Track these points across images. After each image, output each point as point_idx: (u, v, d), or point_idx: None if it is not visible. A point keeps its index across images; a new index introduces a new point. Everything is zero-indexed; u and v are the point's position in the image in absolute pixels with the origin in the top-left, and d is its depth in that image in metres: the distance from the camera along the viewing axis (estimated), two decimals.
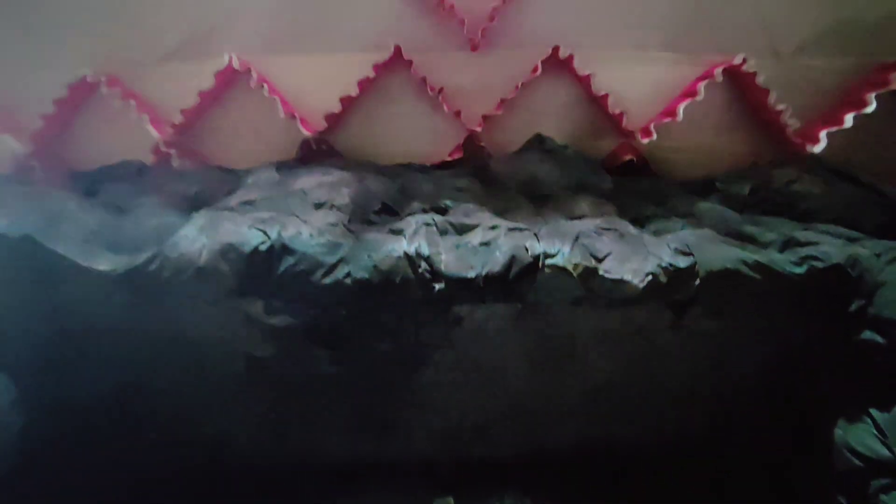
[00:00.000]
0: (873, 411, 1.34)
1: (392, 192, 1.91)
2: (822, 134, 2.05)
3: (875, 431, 1.32)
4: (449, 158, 2.36)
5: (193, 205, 1.83)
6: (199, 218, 1.47)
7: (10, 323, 1.35)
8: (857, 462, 1.34)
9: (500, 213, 1.79)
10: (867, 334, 1.34)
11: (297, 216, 1.50)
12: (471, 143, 2.31)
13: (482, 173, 2.20)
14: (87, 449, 1.60)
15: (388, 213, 1.71)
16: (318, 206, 1.61)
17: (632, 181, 2.21)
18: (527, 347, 1.57)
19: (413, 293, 1.43)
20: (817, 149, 2.06)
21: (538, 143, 2.30)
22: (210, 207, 1.62)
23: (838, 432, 1.41)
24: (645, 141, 2.23)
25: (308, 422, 1.75)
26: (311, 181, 1.73)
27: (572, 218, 1.75)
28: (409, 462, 1.91)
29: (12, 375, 1.33)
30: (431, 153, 2.37)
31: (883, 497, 1.29)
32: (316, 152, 2.32)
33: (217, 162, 2.29)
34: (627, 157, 2.32)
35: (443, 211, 1.73)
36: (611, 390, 1.65)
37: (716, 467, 1.74)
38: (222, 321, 1.48)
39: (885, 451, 1.28)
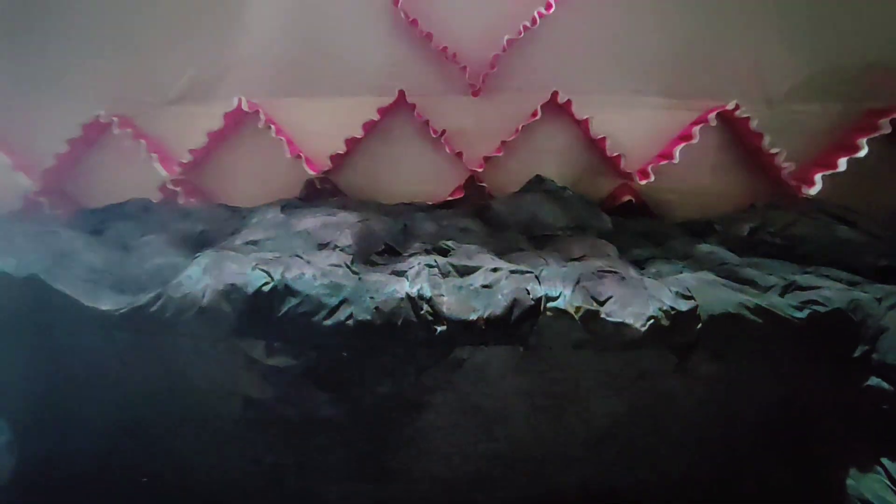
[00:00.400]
0: (885, 461, 1.31)
1: (395, 231, 1.93)
2: (818, 177, 2.10)
3: (888, 481, 1.29)
4: (450, 198, 2.40)
5: (198, 243, 1.85)
6: (204, 258, 1.48)
7: (9, 364, 1.34)
8: None
9: (502, 253, 1.81)
10: (873, 381, 1.32)
11: (301, 257, 1.52)
12: (472, 184, 2.36)
13: (483, 213, 2.24)
14: (80, 492, 1.55)
15: (391, 253, 1.73)
16: (322, 246, 1.63)
17: (631, 221, 2.24)
18: (528, 391, 1.54)
19: (414, 335, 1.42)
20: (813, 191, 2.10)
21: (538, 183, 2.35)
22: (215, 247, 1.63)
23: (850, 482, 1.37)
24: (643, 182, 2.27)
25: (306, 466, 1.71)
26: (314, 222, 1.75)
27: (573, 258, 1.76)
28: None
29: (8, 417, 1.31)
30: (433, 193, 2.42)
31: None
32: (320, 191, 2.37)
33: (223, 200, 2.33)
34: (626, 198, 2.36)
35: (445, 252, 1.74)
36: (614, 436, 1.61)
37: None
38: (222, 362, 1.47)
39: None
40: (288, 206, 2.03)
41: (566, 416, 1.60)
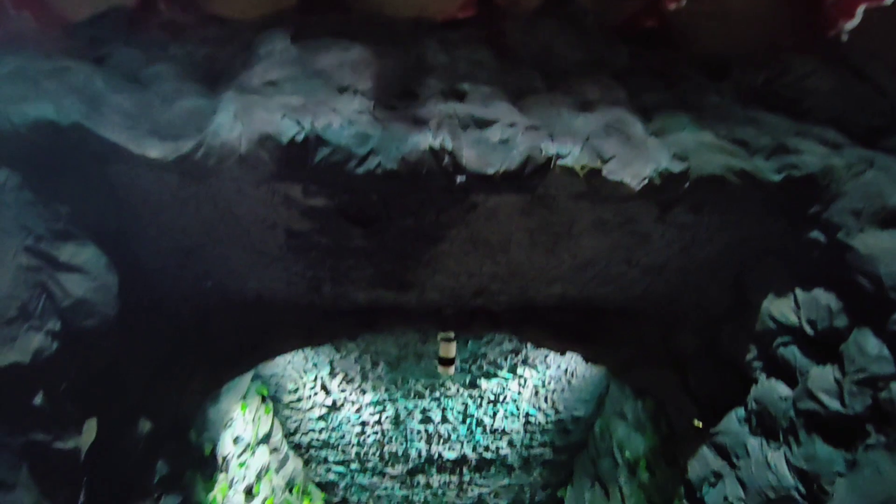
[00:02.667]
0: (798, 290, 1.69)
1: (409, 66, 1.90)
2: (860, 9, 1.99)
3: (793, 305, 1.70)
4: (460, 16, 2.24)
5: (210, 74, 1.82)
6: (230, 103, 1.52)
7: (79, 204, 1.51)
8: (771, 325, 1.76)
9: (517, 95, 1.84)
10: (814, 234, 1.61)
11: (326, 104, 1.56)
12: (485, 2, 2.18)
13: (497, 41, 2.14)
14: (159, 295, 1.93)
15: (410, 97, 1.75)
16: (342, 90, 1.65)
17: (649, 55, 2.18)
18: (530, 229, 1.82)
19: (436, 183, 1.60)
20: (849, 25, 2.02)
21: (557, 5, 2.17)
22: (233, 86, 1.64)
23: (765, 304, 1.79)
24: (672, 6, 2.13)
25: (339, 278, 2.09)
26: (330, 60, 1.71)
27: (584, 105, 1.82)
28: (421, 309, 2.33)
29: (97, 243, 1.55)
30: (442, 7, 2.23)
31: (781, 350, 1.73)
32: (318, 2, 2.17)
33: (205, 9, 2.13)
34: (650, 23, 2.24)
35: (461, 95, 1.77)
36: (594, 263, 1.98)
37: (666, 322, 2.20)
38: (265, 201, 1.67)
39: (794, 320, 1.68)
40: (295, 32, 1.91)
41: (557, 248, 1.92)
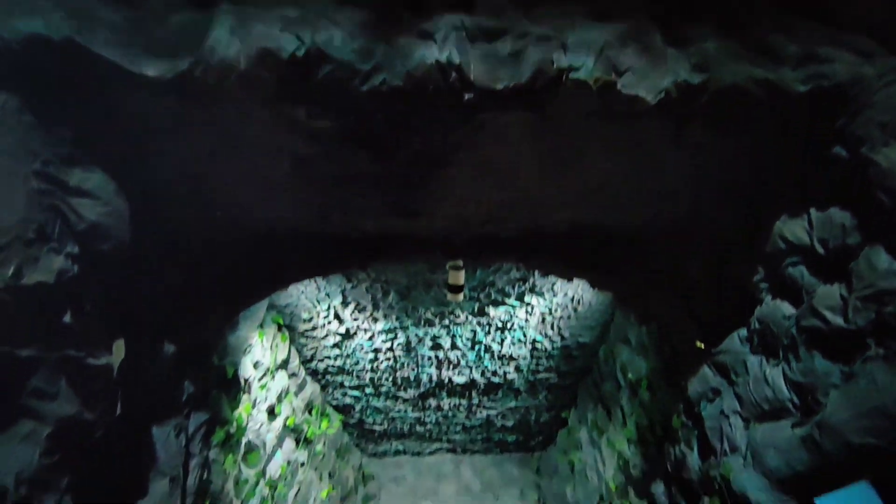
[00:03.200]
0: (812, 210, 1.67)
1: None
2: None
3: (806, 225, 1.68)
4: None
5: None
6: (226, 17, 1.44)
7: (79, 123, 1.49)
8: (782, 246, 1.75)
9: (527, 2, 1.72)
10: (837, 149, 1.55)
11: (326, 16, 1.47)
12: None
13: None
14: (170, 225, 1.95)
15: (415, 7, 1.64)
16: (343, 1, 1.55)
17: None
18: (539, 152, 1.77)
19: (443, 100, 1.54)
20: None
21: None
22: None
23: (777, 225, 1.77)
24: None
25: (348, 206, 2.08)
26: None
27: (600, 14, 1.70)
28: (429, 237, 2.34)
29: (101, 167, 1.54)
30: None
31: (789, 270, 1.74)
32: None
33: None
34: None
35: (469, 5, 1.66)
36: (605, 189, 1.94)
37: (675, 249, 2.20)
38: (268, 125, 1.63)
39: (806, 240, 1.67)
40: None
41: (567, 173, 1.88)
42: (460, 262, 2.63)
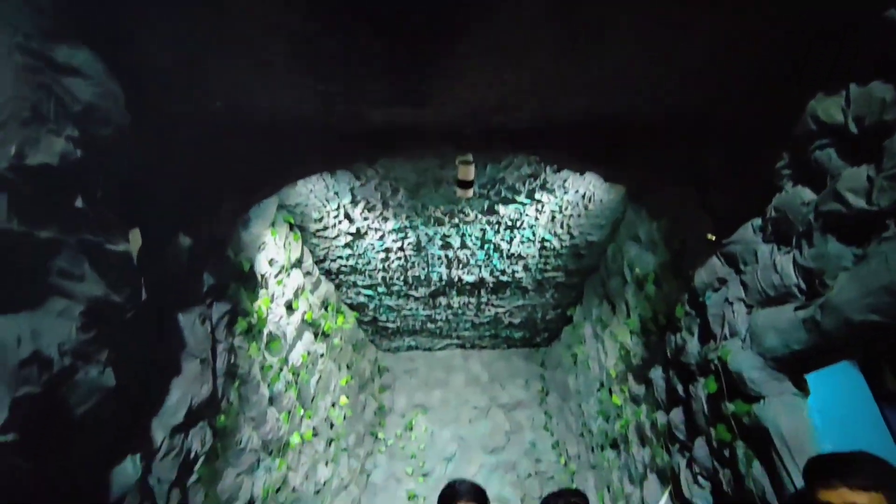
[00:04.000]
0: (852, 85, 1.54)
1: None
2: None
3: (843, 102, 1.57)
4: None
5: None
6: None
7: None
8: (812, 127, 1.65)
9: None
10: (892, 11, 1.38)
11: None
12: None
13: None
14: (171, 116, 1.88)
15: None
16: None
17: None
18: (558, 28, 1.61)
19: None
20: None
21: None
22: None
23: (812, 104, 1.65)
24: None
25: (352, 93, 1.97)
26: None
27: None
28: (439, 128, 2.25)
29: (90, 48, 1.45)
30: None
31: (816, 154, 1.66)
32: None
33: None
34: None
35: None
36: (628, 71, 1.80)
37: (696, 139, 2.09)
38: None
39: (840, 118, 1.56)
40: None
41: (588, 54, 1.73)
42: (470, 157, 2.56)
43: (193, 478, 2.18)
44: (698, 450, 2.38)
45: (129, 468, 1.73)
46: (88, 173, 1.44)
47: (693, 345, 2.40)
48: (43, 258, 1.31)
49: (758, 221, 1.99)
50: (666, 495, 1.58)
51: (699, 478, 2.41)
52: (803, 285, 1.74)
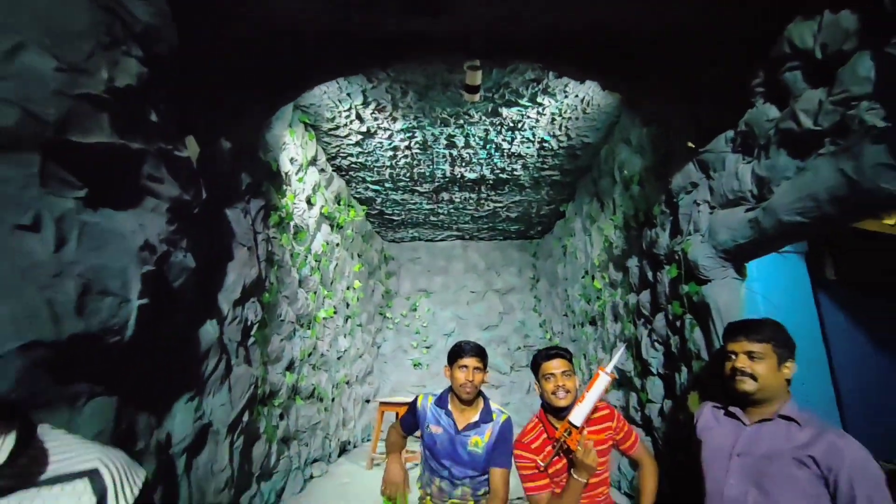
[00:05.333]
0: (826, 12, 1.71)
1: None
2: None
3: (816, 28, 1.75)
4: None
5: None
6: None
7: None
8: (787, 50, 1.85)
9: None
10: None
11: None
12: None
13: None
14: (203, 24, 2.02)
15: None
16: None
17: None
18: None
19: None
20: None
21: None
22: None
23: (789, 27, 1.83)
24: None
25: (369, 4, 2.09)
26: None
27: None
28: (450, 37, 2.38)
29: None
30: None
31: (786, 75, 1.88)
32: None
33: None
34: None
35: None
36: None
37: (689, 54, 2.25)
38: None
39: (810, 43, 1.76)
40: None
41: None
42: (478, 63, 2.70)
43: (251, 340, 2.72)
44: (657, 322, 2.94)
45: (209, 330, 2.22)
46: (154, 89, 1.68)
47: (664, 239, 2.81)
48: (136, 165, 1.61)
49: (730, 133, 2.26)
50: (623, 348, 2.09)
51: (655, 343, 3.00)
52: (755, 191, 2.08)
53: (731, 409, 1.72)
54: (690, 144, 2.53)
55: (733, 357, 1.67)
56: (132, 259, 1.54)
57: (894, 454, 2.41)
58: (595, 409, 2.26)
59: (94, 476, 0.82)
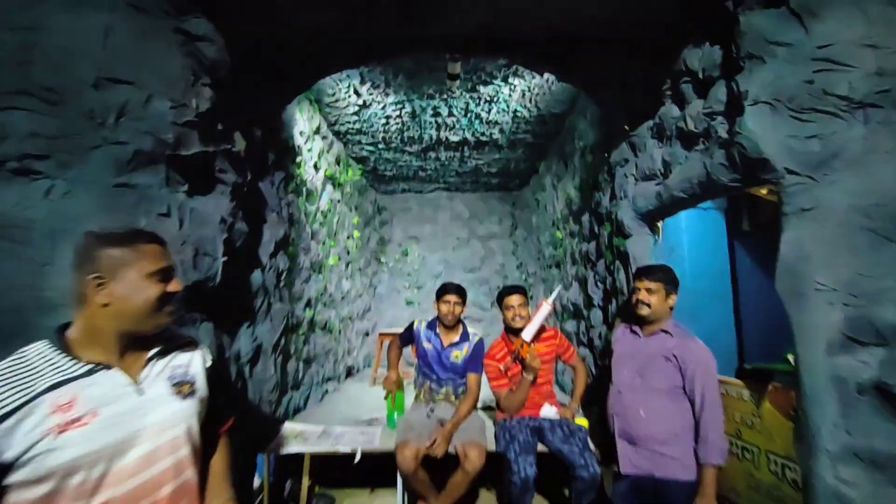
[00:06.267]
0: (706, 43, 2.35)
1: None
2: None
3: (700, 55, 2.39)
4: None
5: None
6: None
7: None
8: (682, 68, 2.50)
9: None
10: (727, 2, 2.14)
11: None
12: None
13: None
14: (237, 27, 2.57)
15: None
16: None
17: None
18: None
19: None
20: None
21: None
22: None
23: (685, 51, 2.47)
24: None
25: (372, 15, 2.64)
26: None
27: None
28: (434, 39, 2.94)
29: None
30: None
31: (682, 85, 2.54)
32: None
33: None
34: None
35: None
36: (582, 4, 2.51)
37: (624, 55, 2.86)
38: None
39: (696, 66, 2.41)
40: None
41: None
42: (458, 56, 3.27)
43: (282, 283, 3.48)
44: (599, 266, 3.75)
45: (257, 277, 2.97)
46: (219, 103, 2.29)
47: (605, 201, 3.55)
48: (212, 163, 2.26)
49: (650, 123, 2.93)
50: (559, 287, 2.89)
51: (597, 283, 3.83)
52: (662, 170, 2.80)
53: (634, 327, 2.54)
54: (626, 128, 3.20)
55: (637, 291, 2.46)
56: (216, 230, 2.24)
57: (778, 362, 3.23)
58: (543, 330, 3.14)
59: (200, 344, 1.34)
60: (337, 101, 4.27)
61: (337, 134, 5.08)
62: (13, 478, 0.88)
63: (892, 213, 1.70)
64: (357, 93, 4.13)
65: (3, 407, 0.90)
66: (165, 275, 1.11)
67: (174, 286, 1.13)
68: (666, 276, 2.43)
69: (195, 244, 2.08)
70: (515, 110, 4.51)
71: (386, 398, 3.35)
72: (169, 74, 1.93)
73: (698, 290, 3.82)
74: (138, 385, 1.08)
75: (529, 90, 4.10)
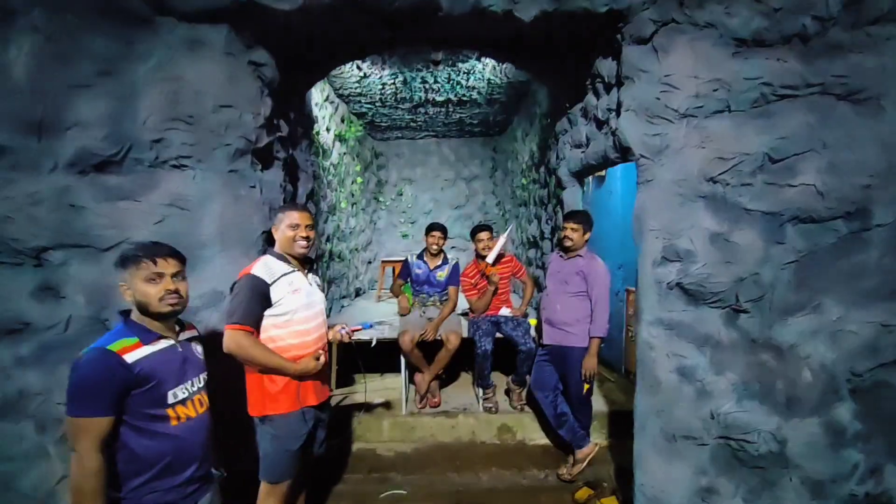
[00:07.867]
0: (610, 57, 3.38)
1: None
2: None
3: (609, 64, 3.42)
4: None
5: None
6: None
7: None
8: (595, 71, 3.54)
9: None
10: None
11: None
12: None
13: None
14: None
15: None
16: None
17: None
18: None
19: None
20: None
21: None
22: None
23: (598, 59, 3.49)
24: None
25: (375, 23, 3.59)
26: None
27: None
28: (423, 37, 3.88)
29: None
30: None
31: (597, 83, 3.59)
32: None
33: None
34: None
35: None
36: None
37: (566, 53, 3.85)
38: None
39: (604, 73, 3.45)
40: None
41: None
42: (439, 50, 4.22)
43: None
44: (549, 208, 4.96)
45: None
46: (274, 105, 3.33)
47: (553, 160, 4.68)
48: (273, 148, 3.35)
49: (581, 105, 4.00)
50: (513, 224, 4.11)
51: (547, 221, 5.06)
52: (585, 142, 3.92)
53: (560, 254, 3.82)
54: (566, 106, 4.26)
55: (564, 230, 3.71)
56: (277, 192, 3.39)
57: None
58: (503, 256, 4.45)
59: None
60: (342, 73, 5.19)
61: (341, 96, 6.00)
62: (271, 311, 2.19)
63: (691, 184, 2.90)
64: (359, 67, 5.06)
65: (273, 276, 2.22)
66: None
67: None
68: (584, 219, 3.67)
69: (268, 203, 3.24)
70: (489, 79, 5.46)
71: (405, 305, 4.70)
72: (248, 95, 2.98)
73: (627, 223, 5.09)
74: (308, 281, 2.37)
75: (500, 63, 5.05)
